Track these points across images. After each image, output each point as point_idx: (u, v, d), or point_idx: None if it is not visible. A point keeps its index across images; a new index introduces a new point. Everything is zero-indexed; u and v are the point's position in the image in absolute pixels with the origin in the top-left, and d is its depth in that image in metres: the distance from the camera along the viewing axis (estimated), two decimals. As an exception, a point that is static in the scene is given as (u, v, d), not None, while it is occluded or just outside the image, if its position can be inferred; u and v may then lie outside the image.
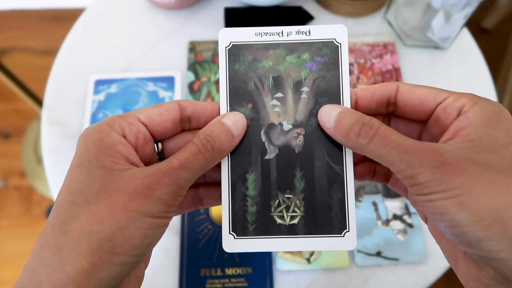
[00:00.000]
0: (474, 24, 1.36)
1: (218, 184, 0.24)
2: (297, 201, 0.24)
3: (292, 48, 0.25)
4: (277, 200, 0.24)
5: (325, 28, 0.25)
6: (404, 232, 0.41)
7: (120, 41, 0.52)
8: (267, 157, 0.24)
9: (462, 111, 0.21)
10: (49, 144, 0.46)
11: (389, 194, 0.43)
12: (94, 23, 0.53)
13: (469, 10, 0.44)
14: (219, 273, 0.40)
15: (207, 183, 0.26)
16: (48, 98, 0.49)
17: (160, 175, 0.20)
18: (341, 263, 0.40)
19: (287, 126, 0.24)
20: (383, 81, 0.49)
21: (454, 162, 0.19)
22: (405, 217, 0.42)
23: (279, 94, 0.25)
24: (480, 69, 0.51)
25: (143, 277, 0.23)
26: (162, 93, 0.48)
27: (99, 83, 0.49)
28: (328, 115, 0.23)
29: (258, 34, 0.25)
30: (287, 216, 0.24)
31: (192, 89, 0.49)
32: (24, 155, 1.19)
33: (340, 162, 0.24)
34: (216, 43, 0.51)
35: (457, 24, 0.46)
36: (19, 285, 0.19)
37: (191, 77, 0.49)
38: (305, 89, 0.25)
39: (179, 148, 0.22)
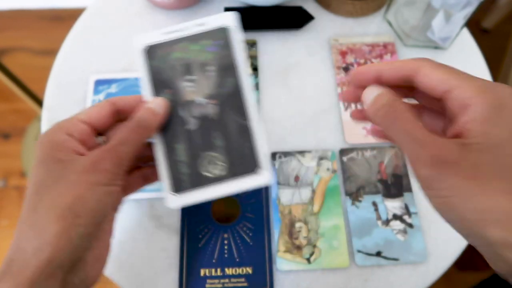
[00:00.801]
0: (474, 24, 1.36)
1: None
2: (219, 156, 0.30)
3: (193, 38, 0.31)
4: (203, 159, 0.30)
5: (217, 17, 0.31)
6: (404, 232, 0.41)
7: (120, 41, 0.52)
8: (189, 127, 0.30)
9: (466, 104, 0.22)
10: (49, 144, 0.46)
11: (389, 194, 0.43)
12: (94, 23, 0.53)
13: (469, 10, 0.44)
14: (219, 273, 0.40)
15: (151, 165, 0.32)
16: (48, 98, 0.49)
17: (103, 152, 0.26)
18: (341, 263, 0.40)
19: (200, 100, 0.30)
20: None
21: (452, 162, 0.20)
22: (405, 217, 0.42)
23: (190, 77, 0.30)
24: (480, 69, 0.51)
25: (110, 246, 0.28)
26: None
27: (99, 83, 0.49)
28: (368, 96, 0.25)
29: (164, 33, 0.31)
30: (213, 169, 0.30)
31: (192, 89, 0.49)
32: (24, 155, 1.19)
33: (248, 118, 0.30)
34: (216, 43, 0.51)
35: (457, 24, 0.46)
36: (8, 257, 0.24)
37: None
38: (210, 68, 0.30)
39: None
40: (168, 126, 0.30)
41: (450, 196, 0.20)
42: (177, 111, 0.30)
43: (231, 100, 0.30)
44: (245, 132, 0.30)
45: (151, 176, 0.32)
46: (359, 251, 0.41)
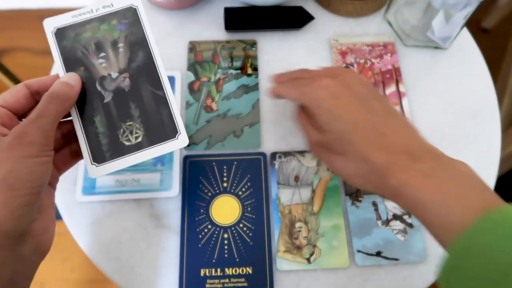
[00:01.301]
0: (474, 24, 1.36)
1: None
2: (137, 125, 0.32)
3: (103, 18, 0.33)
4: (122, 129, 0.32)
5: None
6: (404, 232, 0.41)
7: (120, 41, 0.52)
8: (105, 101, 0.32)
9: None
10: (49, 144, 0.46)
11: (389, 194, 0.43)
12: (94, 23, 0.53)
13: (469, 10, 0.44)
14: (219, 273, 0.40)
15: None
16: (48, 98, 0.49)
17: (24, 127, 0.27)
18: (341, 263, 0.40)
19: (114, 74, 0.32)
20: (383, 81, 0.49)
21: (320, 150, 0.36)
22: (405, 217, 0.42)
23: (102, 54, 0.32)
24: (480, 69, 0.51)
25: (54, 218, 0.30)
26: (162, 93, 0.48)
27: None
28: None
29: (74, 16, 0.33)
30: (132, 138, 0.31)
31: (192, 89, 0.49)
32: (24, 155, 1.18)
33: (161, 88, 0.32)
34: (216, 43, 0.51)
35: (457, 24, 0.46)
36: None
37: (191, 77, 0.49)
38: (120, 45, 0.33)
39: None
40: (85, 101, 0.32)
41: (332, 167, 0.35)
42: (93, 87, 0.32)
43: (143, 73, 0.32)
44: (160, 101, 0.32)
45: (81, 152, 0.33)
46: (359, 251, 0.41)
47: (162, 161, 0.44)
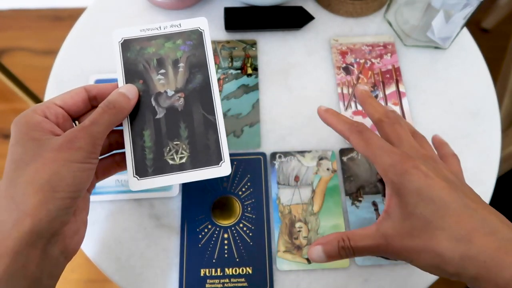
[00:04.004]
0: (474, 24, 1.36)
1: None
2: (184, 146, 0.32)
3: (169, 37, 0.34)
4: (168, 147, 0.32)
5: (192, 20, 0.34)
6: (404, 232, 0.41)
7: (120, 41, 0.52)
8: (157, 116, 0.32)
9: (383, 179, 0.30)
10: (49, 144, 0.46)
11: (389, 194, 0.43)
12: (94, 23, 0.53)
13: (469, 10, 0.44)
14: (219, 273, 0.40)
15: (123, 152, 0.34)
16: (48, 98, 0.49)
17: (77, 132, 0.28)
18: (341, 263, 0.40)
19: (170, 92, 0.33)
20: (383, 81, 0.49)
21: (399, 248, 0.28)
22: (405, 217, 0.42)
23: (162, 71, 0.33)
24: (480, 69, 0.51)
25: (86, 222, 0.31)
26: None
27: (99, 83, 0.49)
28: (315, 254, 0.30)
29: (142, 30, 0.34)
30: (176, 157, 0.31)
31: (192, 89, 0.49)
32: (24, 155, 1.18)
33: (213, 113, 0.32)
34: (216, 43, 0.51)
35: (457, 24, 0.46)
36: None
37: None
38: (181, 64, 0.33)
39: None
40: (138, 113, 0.32)
41: (411, 261, 0.28)
42: (148, 101, 0.32)
43: (198, 95, 0.33)
44: (210, 125, 0.32)
45: (122, 163, 0.34)
46: (359, 251, 0.41)
47: (162, 161, 0.44)
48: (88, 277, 1.04)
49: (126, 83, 0.33)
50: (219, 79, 0.49)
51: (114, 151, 0.35)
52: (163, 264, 0.40)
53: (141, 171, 0.31)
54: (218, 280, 0.39)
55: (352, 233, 0.29)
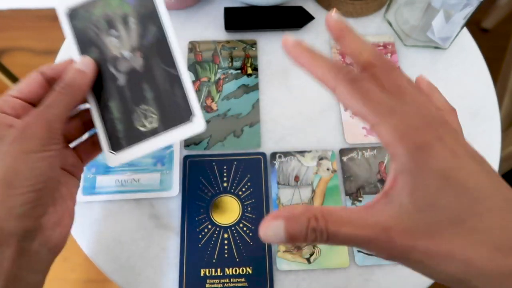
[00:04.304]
0: (474, 24, 1.36)
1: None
2: (151, 109, 0.30)
3: None
4: (136, 113, 0.30)
5: None
6: (404, 232, 0.41)
7: (120, 41, 0.52)
8: (119, 83, 0.30)
9: (389, 150, 0.21)
10: (49, 144, 0.46)
11: (389, 194, 0.43)
12: (94, 23, 0.53)
13: (469, 10, 0.44)
14: (219, 273, 0.40)
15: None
16: (48, 98, 0.49)
17: (30, 119, 0.26)
18: (341, 263, 0.40)
19: (127, 53, 0.30)
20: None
21: (401, 237, 0.19)
22: (405, 217, 0.42)
23: (114, 32, 0.30)
24: (480, 69, 0.51)
25: (71, 211, 0.30)
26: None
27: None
28: (269, 232, 0.20)
29: None
30: (146, 122, 0.30)
31: (192, 89, 0.48)
32: (24, 155, 1.18)
33: (173, 65, 0.29)
34: (216, 43, 0.51)
35: (457, 24, 0.46)
36: None
37: (191, 77, 0.49)
38: (131, 19, 0.30)
39: None
40: (99, 84, 0.30)
41: (423, 268, 0.20)
42: (106, 68, 0.30)
43: (155, 50, 0.30)
44: (174, 81, 0.30)
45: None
46: (359, 251, 0.41)
47: (162, 161, 0.44)
48: (88, 277, 1.04)
49: (81, 54, 0.30)
50: (219, 79, 0.49)
51: (91, 131, 0.33)
52: (163, 264, 0.40)
53: (116, 145, 0.30)
54: (218, 280, 0.39)
55: (329, 211, 0.20)
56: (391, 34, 0.52)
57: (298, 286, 0.40)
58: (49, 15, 1.40)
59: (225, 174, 0.44)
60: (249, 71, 0.50)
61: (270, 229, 0.20)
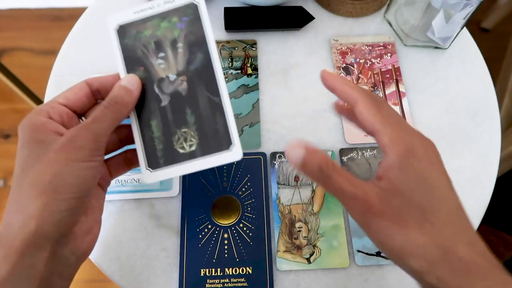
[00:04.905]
0: (474, 24, 1.36)
1: None
2: (192, 132, 0.30)
3: (164, 16, 0.31)
4: (177, 136, 0.30)
5: None
6: (404, 232, 0.41)
7: (120, 41, 0.52)
8: (162, 104, 0.31)
9: (385, 150, 0.26)
10: (49, 144, 0.46)
11: (389, 194, 0.43)
12: (94, 23, 0.53)
13: (469, 10, 0.44)
14: (219, 273, 0.40)
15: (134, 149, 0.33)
16: (48, 98, 0.49)
17: (78, 130, 0.27)
18: (341, 263, 0.40)
19: (172, 77, 0.31)
20: (382, 81, 0.49)
21: (379, 211, 0.25)
22: (405, 217, 0.42)
23: (162, 54, 0.31)
24: (480, 69, 0.51)
25: (100, 221, 0.31)
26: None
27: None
28: (293, 156, 0.26)
29: (136, 12, 0.32)
30: (186, 145, 0.30)
31: (192, 89, 0.48)
32: (24, 155, 1.18)
33: (217, 94, 0.30)
34: (216, 43, 0.51)
35: (457, 24, 0.46)
36: None
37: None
38: (180, 44, 0.31)
39: None
40: (143, 103, 0.31)
41: (380, 235, 0.25)
42: (151, 88, 0.31)
43: (200, 76, 0.30)
44: (217, 109, 0.30)
45: (134, 159, 0.33)
46: (359, 251, 0.41)
47: (162, 161, 0.44)
48: (88, 277, 1.04)
49: (127, 72, 0.31)
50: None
51: (126, 147, 0.34)
52: (163, 264, 0.40)
53: (153, 163, 0.30)
54: (218, 280, 0.39)
55: (337, 166, 0.26)
56: (391, 34, 0.53)
57: (298, 286, 0.40)
58: (49, 15, 1.40)
59: (225, 174, 0.44)
60: (249, 71, 0.50)
61: (295, 154, 0.26)
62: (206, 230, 0.41)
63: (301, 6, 0.51)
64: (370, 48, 0.51)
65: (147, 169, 0.31)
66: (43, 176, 0.26)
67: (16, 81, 1.02)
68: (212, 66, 0.31)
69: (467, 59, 0.51)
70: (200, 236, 0.41)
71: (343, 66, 0.50)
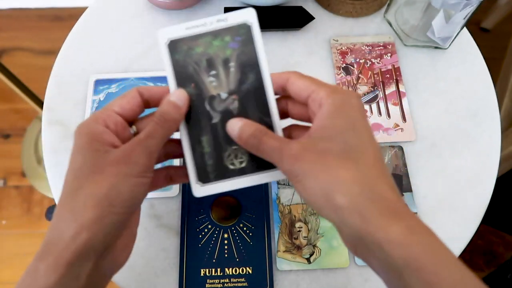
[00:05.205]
0: (474, 24, 1.36)
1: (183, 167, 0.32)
2: (242, 150, 0.30)
3: (216, 34, 0.31)
4: (227, 152, 0.31)
5: (238, 13, 0.32)
6: (404, 232, 0.41)
7: (120, 41, 0.52)
8: (213, 121, 0.31)
9: (320, 103, 0.27)
10: (49, 144, 0.46)
11: (389, 194, 0.43)
12: (94, 23, 0.53)
13: (469, 10, 0.44)
14: (219, 273, 0.40)
15: (176, 166, 0.34)
16: (48, 98, 0.49)
17: (134, 145, 0.28)
18: (341, 263, 0.40)
19: (223, 95, 0.31)
20: (382, 81, 0.49)
21: (300, 154, 0.26)
22: (405, 217, 0.42)
23: (213, 72, 0.31)
24: (480, 69, 0.51)
25: (136, 235, 0.31)
26: (162, 93, 0.48)
27: (99, 83, 0.49)
28: (232, 128, 0.29)
29: (188, 28, 0.31)
30: (236, 162, 0.31)
31: (192, 89, 0.48)
32: (24, 155, 1.19)
33: (268, 115, 0.31)
34: (216, 43, 0.51)
35: (457, 24, 0.46)
36: (47, 238, 0.26)
37: (191, 77, 0.49)
38: (232, 64, 0.31)
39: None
40: (194, 119, 0.31)
41: (304, 178, 0.26)
42: (202, 105, 0.31)
43: (252, 97, 0.31)
44: (268, 129, 0.30)
45: (175, 177, 0.34)
46: (359, 251, 0.41)
47: (162, 161, 0.44)
48: (88, 277, 1.04)
49: (178, 87, 0.31)
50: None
51: (168, 164, 0.35)
52: (163, 264, 0.40)
53: (204, 177, 0.31)
54: (218, 280, 0.39)
55: (272, 133, 0.29)
56: (391, 34, 0.53)
57: (298, 286, 0.40)
58: (49, 15, 1.40)
59: (225, 174, 0.44)
60: (249, 71, 0.50)
61: (233, 123, 0.29)
62: (206, 230, 0.41)
63: (301, 6, 0.51)
64: (370, 48, 0.51)
65: (197, 183, 0.31)
66: (100, 188, 0.26)
67: (16, 81, 1.02)
68: (264, 88, 0.31)
69: (467, 59, 0.51)
70: (200, 236, 0.41)
71: (343, 66, 0.50)
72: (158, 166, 0.33)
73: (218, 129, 0.31)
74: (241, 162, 0.31)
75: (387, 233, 0.24)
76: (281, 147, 0.27)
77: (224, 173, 0.31)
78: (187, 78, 0.31)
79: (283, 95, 0.31)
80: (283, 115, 0.32)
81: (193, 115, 0.31)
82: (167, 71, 0.31)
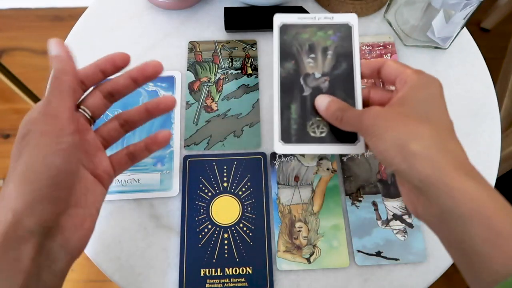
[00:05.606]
0: (474, 24, 1.36)
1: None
2: (324, 122, 0.35)
3: (321, 27, 0.38)
4: (311, 121, 0.35)
5: (343, 15, 0.38)
6: (404, 232, 0.41)
7: (120, 41, 0.52)
8: (304, 94, 0.36)
9: (406, 80, 0.30)
10: (49, 144, 0.46)
11: (389, 194, 0.43)
12: (94, 23, 0.53)
13: (469, 10, 0.44)
14: (219, 273, 0.40)
15: (137, 144, 0.34)
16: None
17: (43, 115, 0.27)
18: (341, 263, 0.40)
19: (317, 75, 0.36)
20: (382, 81, 0.49)
21: (381, 113, 0.29)
22: (405, 217, 0.42)
23: (312, 55, 0.37)
24: (480, 69, 0.51)
25: (94, 215, 0.29)
26: (162, 93, 0.48)
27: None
28: (321, 103, 0.34)
29: (300, 18, 0.38)
30: (317, 131, 0.35)
31: (192, 89, 0.49)
32: (24, 155, 1.18)
33: (352, 97, 0.35)
34: (216, 43, 0.51)
35: (457, 24, 0.46)
36: None
37: (191, 77, 0.49)
38: (329, 52, 0.37)
39: None
40: (288, 88, 0.36)
41: (382, 132, 0.28)
42: (297, 79, 0.36)
43: (341, 81, 0.36)
44: None
45: (137, 153, 0.34)
46: (359, 251, 0.41)
47: (162, 161, 0.44)
48: (88, 277, 1.04)
49: (280, 61, 0.37)
50: (219, 79, 0.49)
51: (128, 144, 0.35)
52: (163, 264, 0.40)
53: (286, 138, 0.35)
54: (218, 280, 0.39)
55: (354, 108, 0.33)
56: (391, 34, 0.52)
57: (298, 286, 0.40)
58: (49, 15, 1.40)
59: (225, 174, 0.44)
60: (249, 71, 0.50)
61: (322, 99, 0.34)
62: (206, 230, 0.41)
63: (301, 6, 0.51)
64: (370, 48, 0.51)
65: (279, 141, 0.35)
66: (20, 167, 0.26)
67: (16, 81, 1.02)
68: (353, 76, 0.36)
69: (467, 59, 0.51)
70: (200, 236, 0.41)
71: (343, 66, 0.50)
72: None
73: (307, 101, 0.35)
74: (321, 132, 0.35)
75: (461, 183, 0.25)
76: (362, 113, 0.30)
77: (304, 138, 0.35)
78: (289, 55, 0.37)
79: (368, 85, 0.36)
80: (363, 104, 0.35)
81: (289, 85, 0.36)
82: (274, 46, 0.37)
